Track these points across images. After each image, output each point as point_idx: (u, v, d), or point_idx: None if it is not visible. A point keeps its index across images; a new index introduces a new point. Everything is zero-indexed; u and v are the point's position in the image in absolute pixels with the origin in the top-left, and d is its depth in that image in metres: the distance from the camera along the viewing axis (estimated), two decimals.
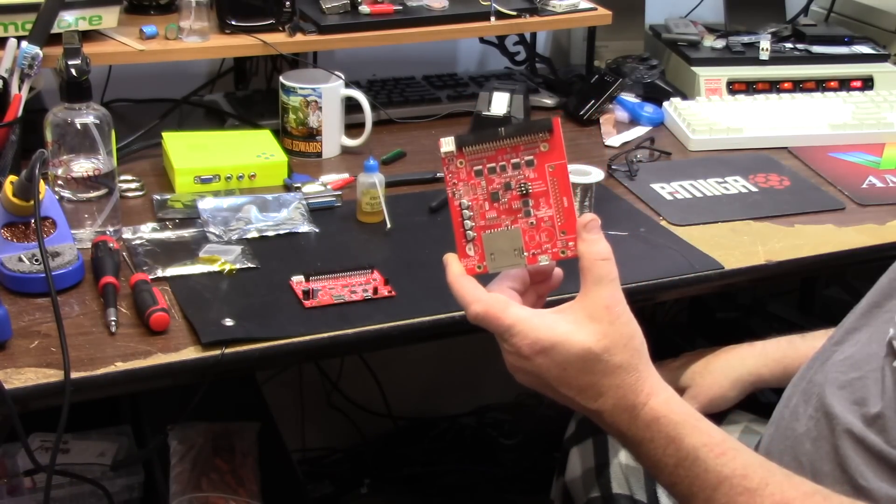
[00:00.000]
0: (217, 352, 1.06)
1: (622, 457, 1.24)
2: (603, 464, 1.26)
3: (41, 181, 1.13)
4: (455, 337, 1.20)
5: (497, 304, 0.83)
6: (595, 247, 0.83)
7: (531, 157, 0.86)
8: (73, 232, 1.20)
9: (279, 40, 1.54)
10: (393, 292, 1.17)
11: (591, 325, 0.81)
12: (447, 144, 0.86)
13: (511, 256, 0.87)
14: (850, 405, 0.88)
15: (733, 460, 0.81)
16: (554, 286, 0.91)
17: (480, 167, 0.86)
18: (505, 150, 0.86)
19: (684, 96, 1.79)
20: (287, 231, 1.31)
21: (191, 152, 1.45)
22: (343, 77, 1.55)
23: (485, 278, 0.88)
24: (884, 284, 0.96)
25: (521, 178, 0.86)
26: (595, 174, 1.36)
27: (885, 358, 0.87)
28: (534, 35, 1.87)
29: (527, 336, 0.82)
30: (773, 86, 1.82)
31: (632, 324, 0.83)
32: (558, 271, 0.91)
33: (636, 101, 1.78)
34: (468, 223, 0.87)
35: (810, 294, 2.01)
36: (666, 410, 0.83)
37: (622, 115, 1.75)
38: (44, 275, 1.08)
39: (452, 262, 0.88)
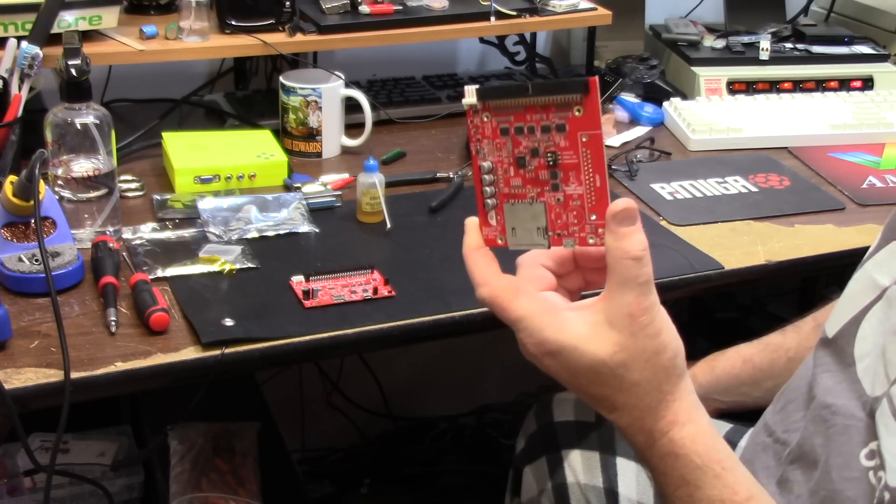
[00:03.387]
0: (217, 352, 1.06)
1: (580, 477, 1.18)
2: (561, 485, 1.20)
3: (41, 181, 1.13)
4: (455, 337, 1.20)
5: (506, 293, 0.73)
6: (624, 241, 0.70)
7: (562, 122, 0.73)
8: (73, 232, 1.20)
9: (279, 40, 1.54)
10: (393, 292, 1.17)
11: (608, 333, 0.71)
12: (469, 95, 0.76)
13: (533, 234, 0.76)
14: None
15: None
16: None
17: (507, 125, 0.75)
18: (534, 108, 0.74)
19: (684, 96, 1.79)
20: (287, 231, 1.31)
21: (191, 152, 1.45)
22: (343, 77, 1.55)
23: (505, 254, 0.79)
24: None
25: (551, 144, 0.74)
26: None
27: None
28: (534, 35, 1.87)
29: (532, 335, 0.72)
30: (773, 86, 1.82)
31: (661, 336, 0.71)
32: None
33: (636, 101, 1.78)
34: (489, 189, 0.77)
35: (810, 294, 2.01)
36: (687, 448, 0.72)
37: (622, 115, 1.75)
38: (44, 275, 1.08)
39: (471, 230, 0.77)
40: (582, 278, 0.79)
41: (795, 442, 0.90)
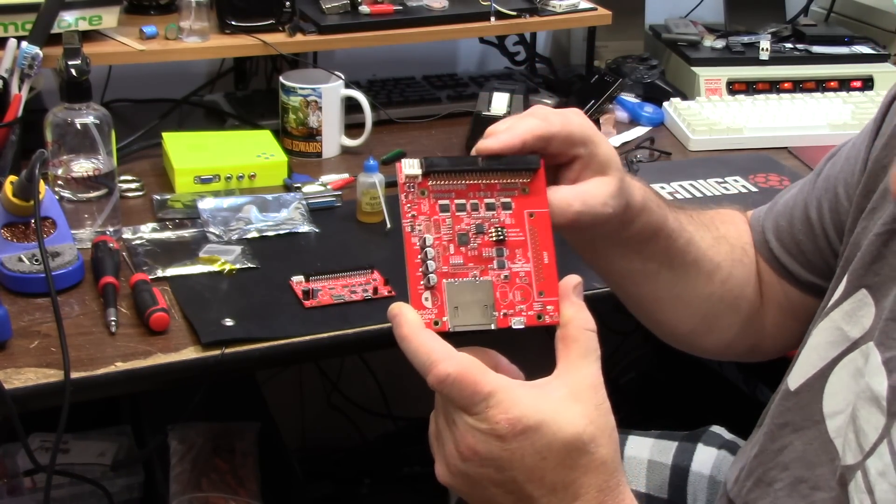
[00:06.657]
0: (217, 352, 1.06)
1: None
2: None
3: (41, 181, 1.13)
4: None
5: (475, 366, 0.66)
6: (583, 314, 0.69)
7: (508, 200, 0.72)
8: (73, 232, 1.20)
9: (279, 40, 1.54)
10: (393, 292, 1.17)
11: (575, 407, 0.65)
12: (410, 167, 0.71)
13: (478, 314, 0.71)
14: None
15: None
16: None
17: (447, 202, 0.72)
18: (479, 186, 0.72)
19: (684, 96, 1.79)
20: (287, 231, 1.31)
21: (191, 152, 1.45)
22: (343, 77, 1.55)
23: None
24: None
25: (496, 221, 0.72)
26: None
27: None
28: (534, 35, 1.87)
29: (508, 409, 0.64)
30: (773, 86, 1.82)
31: (611, 412, 0.67)
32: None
33: (636, 101, 1.78)
34: (432, 263, 0.71)
35: None
36: None
37: (622, 115, 1.75)
38: (44, 275, 1.08)
39: (407, 311, 0.69)
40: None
41: None
